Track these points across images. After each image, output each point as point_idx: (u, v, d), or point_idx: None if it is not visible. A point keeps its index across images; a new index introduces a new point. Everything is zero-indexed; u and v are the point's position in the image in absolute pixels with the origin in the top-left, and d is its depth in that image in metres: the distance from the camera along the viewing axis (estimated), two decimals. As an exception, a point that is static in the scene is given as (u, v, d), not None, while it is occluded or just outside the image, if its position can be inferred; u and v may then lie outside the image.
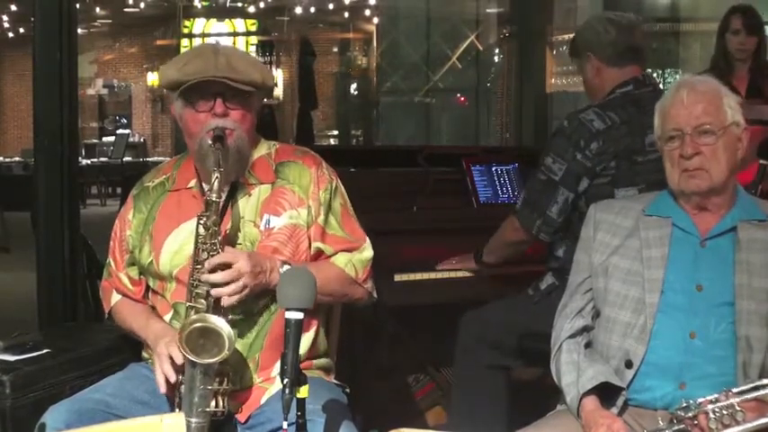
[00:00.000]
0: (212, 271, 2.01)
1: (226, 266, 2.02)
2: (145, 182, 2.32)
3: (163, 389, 2.03)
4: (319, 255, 2.22)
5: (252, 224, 2.17)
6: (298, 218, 2.19)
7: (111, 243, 2.33)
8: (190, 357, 1.91)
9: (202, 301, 2.01)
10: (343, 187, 2.30)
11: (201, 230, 2.03)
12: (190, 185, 2.23)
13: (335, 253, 2.23)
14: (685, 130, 2.01)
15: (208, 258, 2.02)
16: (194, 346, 1.91)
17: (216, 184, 2.02)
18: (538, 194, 2.78)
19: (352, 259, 2.23)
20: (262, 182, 2.21)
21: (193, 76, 2.10)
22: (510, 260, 3.00)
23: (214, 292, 2.00)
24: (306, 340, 2.20)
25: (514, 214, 2.85)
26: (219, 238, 2.04)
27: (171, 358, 2.03)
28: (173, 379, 2.01)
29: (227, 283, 2.01)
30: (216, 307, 2.02)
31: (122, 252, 2.30)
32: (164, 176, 2.30)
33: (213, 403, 1.98)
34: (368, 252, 2.27)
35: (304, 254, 2.19)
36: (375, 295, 2.31)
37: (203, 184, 2.19)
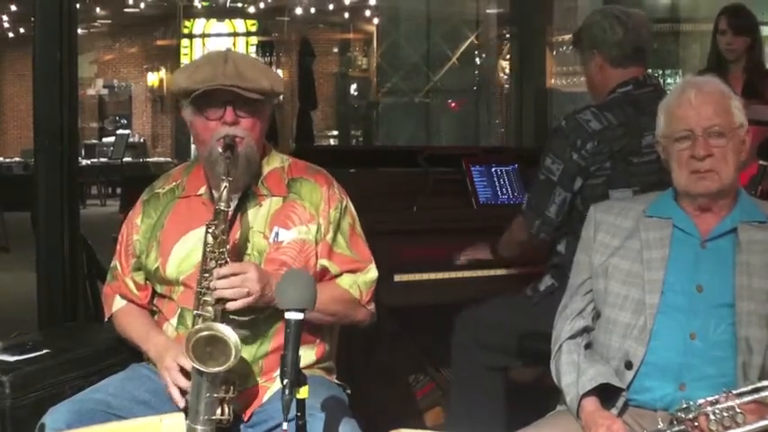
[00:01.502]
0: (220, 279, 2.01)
1: (234, 275, 2.02)
2: (155, 188, 2.33)
3: (181, 403, 2.03)
4: (325, 273, 2.22)
5: (261, 235, 2.17)
6: (307, 233, 2.19)
7: (118, 246, 2.33)
8: (197, 366, 1.90)
9: (210, 309, 2.01)
10: (352, 207, 2.31)
11: (210, 239, 2.03)
12: (199, 192, 2.24)
13: (341, 273, 2.23)
14: (696, 131, 2.00)
15: (216, 267, 2.01)
16: (201, 354, 1.90)
17: (225, 193, 2.03)
18: (537, 195, 2.79)
19: (357, 281, 2.24)
20: (273, 194, 2.22)
21: (202, 84, 2.10)
22: (521, 258, 3.04)
23: (218, 293, 2.00)
24: (312, 351, 2.21)
25: (521, 213, 2.86)
26: (228, 247, 2.04)
27: (181, 369, 2.03)
28: (188, 388, 2.00)
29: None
30: (223, 315, 2.02)
31: (128, 256, 2.30)
32: (174, 183, 2.31)
33: (219, 411, 1.97)
34: (372, 273, 2.27)
35: (312, 270, 2.19)
36: (375, 317, 2.31)
37: (213, 192, 2.19)
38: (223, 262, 2.02)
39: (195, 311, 2.03)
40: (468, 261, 3.17)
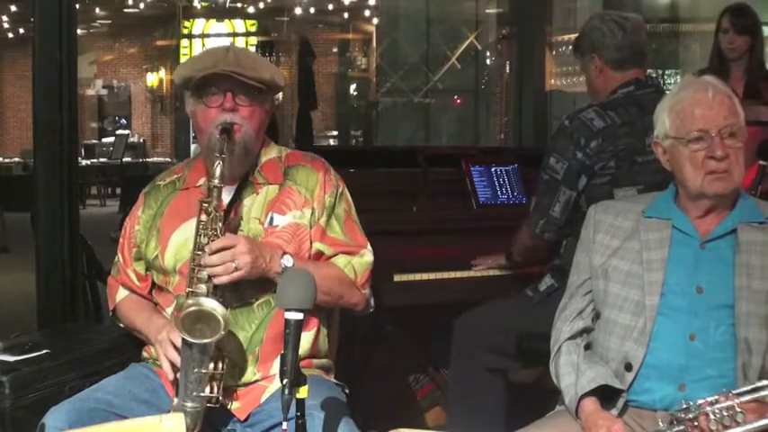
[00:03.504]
0: (212, 255, 2.04)
1: (224, 249, 2.05)
2: (157, 180, 2.38)
3: (171, 375, 2.05)
4: (319, 256, 2.24)
5: (257, 221, 2.20)
6: (302, 218, 2.22)
7: (121, 240, 2.37)
8: (186, 338, 1.92)
9: (202, 286, 2.04)
10: (348, 194, 2.33)
11: (203, 216, 2.06)
12: (199, 184, 2.27)
13: (335, 254, 2.25)
14: (711, 131, 1.98)
15: (208, 243, 2.04)
16: (191, 330, 1.93)
17: (218, 170, 2.06)
18: (541, 195, 2.80)
19: (352, 261, 2.25)
20: (270, 182, 2.25)
21: (203, 71, 2.15)
22: (535, 260, 3.04)
23: (210, 270, 2.03)
24: (307, 339, 2.21)
25: (527, 217, 2.89)
26: (221, 224, 2.07)
27: (173, 345, 2.05)
28: (179, 363, 2.02)
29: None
30: (215, 292, 2.04)
31: (130, 248, 2.34)
32: (175, 176, 2.35)
33: (208, 389, 1.99)
34: (368, 257, 2.28)
35: (306, 254, 2.21)
36: (372, 305, 2.31)
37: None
38: (216, 239, 2.05)
39: (188, 289, 2.05)
40: (484, 267, 3.18)
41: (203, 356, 1.96)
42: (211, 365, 1.99)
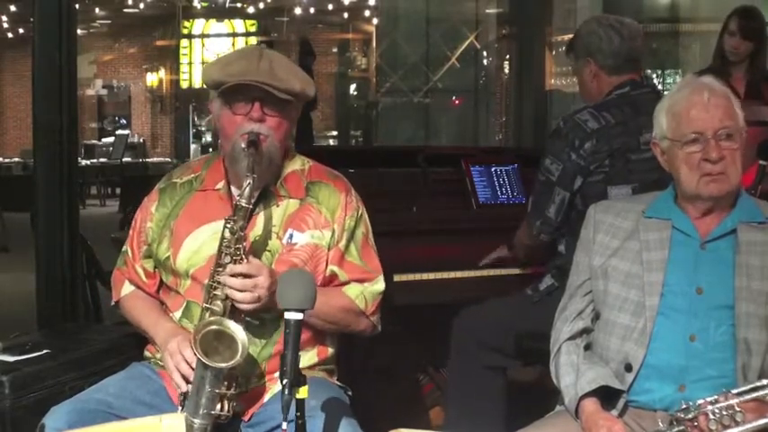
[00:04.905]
0: (232, 276, 2.02)
1: (246, 276, 2.02)
2: (173, 177, 2.33)
3: (183, 388, 2.03)
4: (333, 278, 2.22)
5: (275, 236, 2.18)
6: (321, 239, 2.20)
7: (131, 232, 2.34)
8: (203, 360, 1.91)
9: (219, 303, 2.02)
10: (367, 216, 2.31)
11: (227, 234, 2.04)
12: (218, 187, 2.24)
13: (349, 281, 2.23)
14: (707, 133, 1.97)
15: (230, 263, 2.02)
16: (207, 348, 1.91)
17: (247, 190, 2.03)
18: (538, 196, 2.82)
19: (364, 291, 2.23)
20: (291, 196, 2.22)
21: (234, 77, 2.11)
22: (534, 259, 3.06)
23: (229, 292, 2.01)
24: (314, 353, 2.22)
25: (526, 217, 2.90)
26: (244, 244, 2.04)
27: (185, 359, 2.03)
28: (191, 377, 2.00)
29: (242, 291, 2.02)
30: (232, 311, 2.02)
31: (140, 243, 2.30)
32: (192, 175, 2.31)
33: (219, 406, 1.98)
34: (380, 285, 2.26)
35: (321, 276, 2.19)
36: (380, 328, 2.30)
37: (231, 187, 2.20)
38: (239, 259, 2.03)
39: (204, 304, 2.04)
40: (490, 262, 3.18)
41: (218, 378, 1.95)
42: (224, 385, 1.98)
